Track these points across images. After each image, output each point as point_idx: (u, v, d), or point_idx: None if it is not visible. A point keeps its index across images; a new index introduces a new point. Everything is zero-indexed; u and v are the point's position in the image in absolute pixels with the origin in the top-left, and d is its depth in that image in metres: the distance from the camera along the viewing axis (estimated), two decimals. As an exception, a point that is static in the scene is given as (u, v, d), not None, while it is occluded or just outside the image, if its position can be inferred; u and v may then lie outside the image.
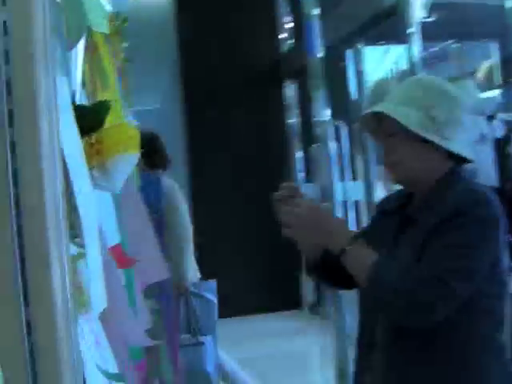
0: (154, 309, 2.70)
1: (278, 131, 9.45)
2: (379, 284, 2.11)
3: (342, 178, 7.48)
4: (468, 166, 3.52)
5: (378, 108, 2.26)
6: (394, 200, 2.41)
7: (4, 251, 0.90)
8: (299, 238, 2.26)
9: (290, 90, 9.55)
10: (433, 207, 2.18)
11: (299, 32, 8.98)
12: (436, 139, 2.18)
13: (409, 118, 2.18)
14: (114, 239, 1.32)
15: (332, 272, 2.31)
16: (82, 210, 1.02)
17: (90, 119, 1.16)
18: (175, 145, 9.46)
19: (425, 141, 2.18)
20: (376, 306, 2.20)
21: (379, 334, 2.27)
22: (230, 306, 7.80)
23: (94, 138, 1.14)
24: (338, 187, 7.65)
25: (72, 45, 1.19)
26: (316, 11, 8.45)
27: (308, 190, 9.02)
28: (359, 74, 7.37)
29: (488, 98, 3.91)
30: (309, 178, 8.92)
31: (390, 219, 2.35)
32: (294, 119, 9.51)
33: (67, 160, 1.01)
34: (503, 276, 2.21)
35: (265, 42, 9.68)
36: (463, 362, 2.15)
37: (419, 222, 2.20)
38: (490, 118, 3.84)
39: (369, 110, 2.31)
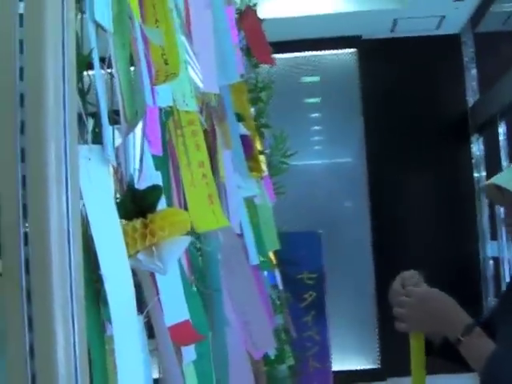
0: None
1: (465, 187, 9.23)
2: (495, 380, 1.97)
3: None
4: None
5: (494, 179, 2.14)
6: None
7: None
8: (414, 329, 2.18)
9: (478, 145, 9.32)
10: None
11: (486, 85, 8.84)
12: None
13: None
14: (180, 316, 1.34)
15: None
16: (110, 296, 1.05)
17: (140, 203, 1.19)
18: (359, 200, 9.48)
19: None
20: None
21: None
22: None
23: (140, 221, 1.16)
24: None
25: (129, 129, 1.23)
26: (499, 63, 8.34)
27: (492, 249, 8.80)
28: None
29: None
30: (494, 236, 8.64)
31: None
32: (480, 174, 9.26)
33: (96, 244, 1.05)
34: None
35: (452, 95, 9.54)
36: None
37: None
38: None
39: (489, 181, 2.18)
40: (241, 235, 2.25)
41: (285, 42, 9.37)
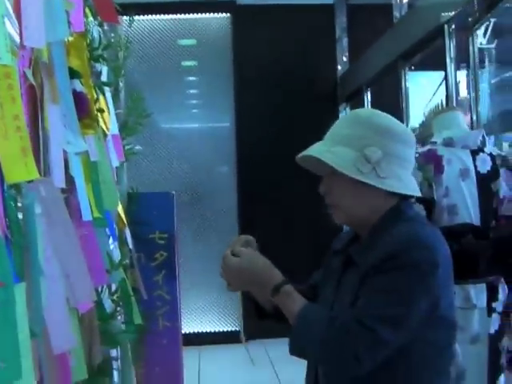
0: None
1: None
2: (303, 335, 2.05)
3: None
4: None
5: (310, 151, 2.21)
6: (345, 238, 2.36)
7: None
8: (237, 290, 2.30)
9: (345, 114, 9.53)
10: (369, 249, 2.11)
11: (356, 56, 9.04)
12: (370, 180, 2.10)
13: (342, 159, 2.12)
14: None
15: None
16: None
17: None
18: (229, 166, 9.58)
19: (365, 182, 2.11)
20: (302, 356, 2.13)
21: (320, 376, 2.26)
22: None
23: None
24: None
25: None
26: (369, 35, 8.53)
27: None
28: (407, 99, 7.35)
29: (476, 131, 3.83)
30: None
31: (338, 259, 2.30)
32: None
33: None
34: (445, 323, 2.12)
35: (323, 64, 9.72)
36: None
37: (357, 265, 2.14)
38: (476, 152, 3.72)
39: (303, 153, 2.23)
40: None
41: (162, 3, 9.36)
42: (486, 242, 3.60)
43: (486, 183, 3.64)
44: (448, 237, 3.55)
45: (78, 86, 2.39)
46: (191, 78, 9.86)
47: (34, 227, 1.81)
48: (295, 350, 2.10)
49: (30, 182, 1.82)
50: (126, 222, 3.86)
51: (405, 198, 2.23)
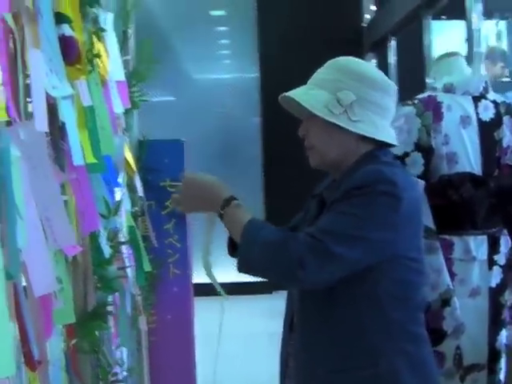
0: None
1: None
2: (251, 242, 2.12)
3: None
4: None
5: (288, 92, 2.30)
6: (325, 183, 2.43)
7: None
8: (187, 211, 2.48)
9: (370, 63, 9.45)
10: (338, 188, 2.17)
11: (382, 4, 8.93)
12: (341, 122, 2.16)
13: (316, 101, 2.19)
14: None
15: None
16: None
17: None
18: (254, 115, 9.57)
19: (338, 124, 2.17)
20: (249, 270, 2.19)
21: (296, 316, 2.31)
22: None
23: None
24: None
25: None
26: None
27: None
28: (430, 48, 7.25)
29: (479, 77, 3.74)
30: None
31: (314, 202, 2.38)
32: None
33: None
34: (411, 265, 2.15)
35: (349, 12, 9.61)
36: (367, 348, 2.12)
37: (328, 203, 2.20)
38: (478, 98, 3.64)
39: (282, 95, 2.33)
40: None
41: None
42: (486, 192, 3.53)
43: (488, 131, 3.56)
44: (447, 186, 3.54)
45: (68, 30, 2.37)
46: (219, 28, 9.81)
47: (9, 170, 1.81)
48: (242, 263, 2.18)
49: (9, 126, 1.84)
50: (135, 169, 3.87)
51: (382, 146, 2.25)
